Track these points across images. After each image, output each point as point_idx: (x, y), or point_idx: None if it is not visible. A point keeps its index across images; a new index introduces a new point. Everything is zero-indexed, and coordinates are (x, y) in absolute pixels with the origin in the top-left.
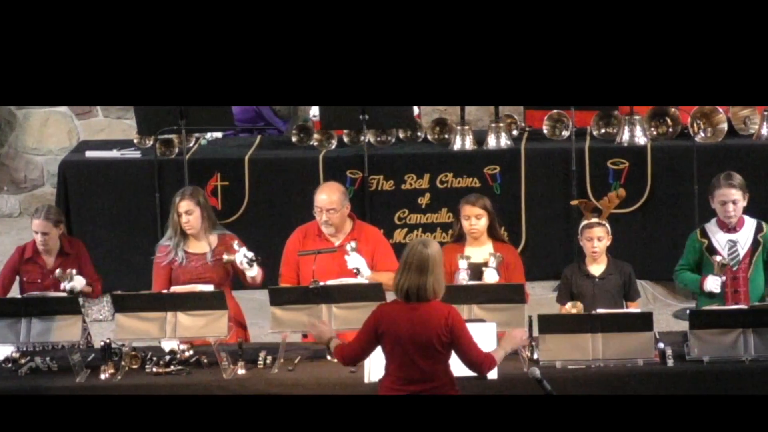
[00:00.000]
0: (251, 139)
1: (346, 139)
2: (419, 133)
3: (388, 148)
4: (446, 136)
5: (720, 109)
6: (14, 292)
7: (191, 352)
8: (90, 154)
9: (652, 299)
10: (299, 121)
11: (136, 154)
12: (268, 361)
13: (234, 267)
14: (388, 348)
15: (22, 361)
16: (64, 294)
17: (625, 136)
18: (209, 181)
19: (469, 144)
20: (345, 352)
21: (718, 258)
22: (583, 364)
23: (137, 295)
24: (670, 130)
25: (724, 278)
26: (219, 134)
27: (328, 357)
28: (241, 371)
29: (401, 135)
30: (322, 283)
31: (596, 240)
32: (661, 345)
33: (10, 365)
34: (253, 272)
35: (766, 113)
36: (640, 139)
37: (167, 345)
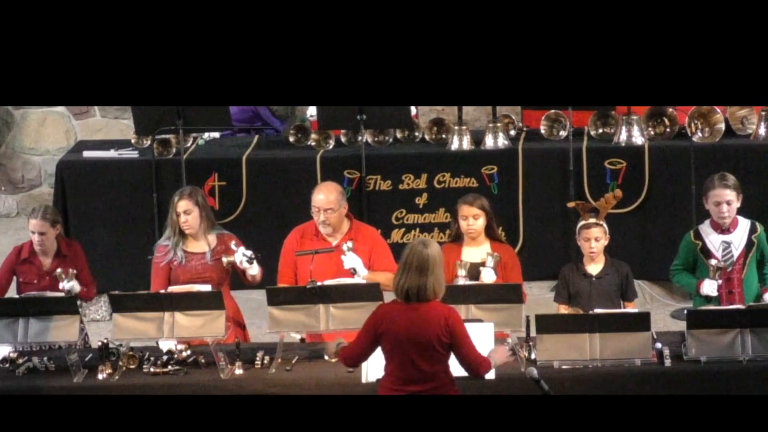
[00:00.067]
0: (249, 139)
1: (343, 139)
2: (417, 133)
3: (386, 148)
4: (444, 136)
5: (717, 109)
6: (12, 292)
7: (189, 352)
8: (87, 154)
9: (650, 299)
10: (297, 121)
11: (133, 154)
12: (265, 361)
13: (234, 267)
14: (388, 348)
15: (20, 361)
16: (62, 294)
17: (623, 136)
18: (207, 181)
19: (466, 144)
20: (346, 352)
21: (713, 262)
22: (580, 364)
23: (135, 295)
24: (668, 130)
25: (720, 282)
26: (216, 134)
27: (326, 357)
28: (238, 371)
29: (399, 135)
30: (319, 283)
31: (594, 240)
32: (659, 345)
33: (7, 365)
34: (254, 270)
35: (763, 113)
36: (638, 139)
37: (165, 345)
